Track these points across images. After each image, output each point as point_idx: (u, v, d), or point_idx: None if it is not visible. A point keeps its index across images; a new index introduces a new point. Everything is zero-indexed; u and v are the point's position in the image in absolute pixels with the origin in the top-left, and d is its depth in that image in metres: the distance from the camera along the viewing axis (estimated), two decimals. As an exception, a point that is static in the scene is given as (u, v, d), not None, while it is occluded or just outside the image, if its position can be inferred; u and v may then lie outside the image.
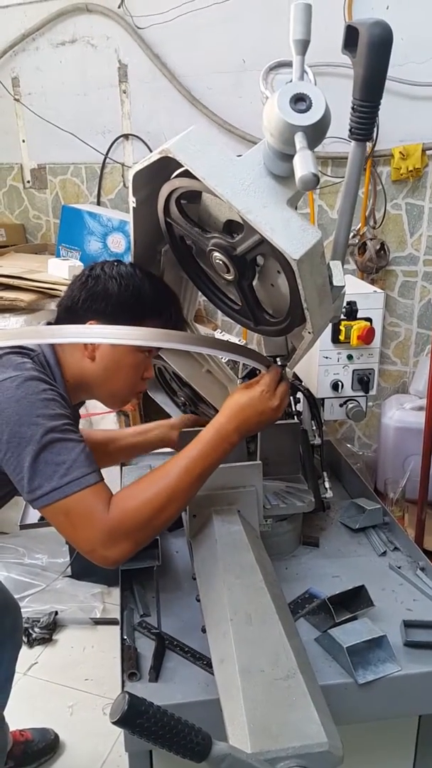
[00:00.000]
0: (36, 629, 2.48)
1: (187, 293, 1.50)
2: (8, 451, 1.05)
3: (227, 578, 1.08)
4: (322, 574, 1.41)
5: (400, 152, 2.90)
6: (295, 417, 1.65)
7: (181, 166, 0.97)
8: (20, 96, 3.63)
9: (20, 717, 2.00)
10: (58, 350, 1.25)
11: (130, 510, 1.05)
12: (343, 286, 1.07)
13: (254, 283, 1.14)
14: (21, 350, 1.18)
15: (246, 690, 0.85)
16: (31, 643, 2.46)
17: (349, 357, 1.66)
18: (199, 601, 1.20)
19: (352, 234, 2.93)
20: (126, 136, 3.45)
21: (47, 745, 2.01)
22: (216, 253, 1.10)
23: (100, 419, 2.83)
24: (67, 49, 3.45)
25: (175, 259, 1.30)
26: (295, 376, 1.72)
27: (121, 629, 1.24)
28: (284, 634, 0.95)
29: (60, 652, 2.46)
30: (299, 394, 1.67)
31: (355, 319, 1.62)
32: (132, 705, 0.70)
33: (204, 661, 1.14)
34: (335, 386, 1.67)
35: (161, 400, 1.82)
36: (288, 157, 0.89)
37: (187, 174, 1.00)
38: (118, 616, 1.31)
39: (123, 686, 1.10)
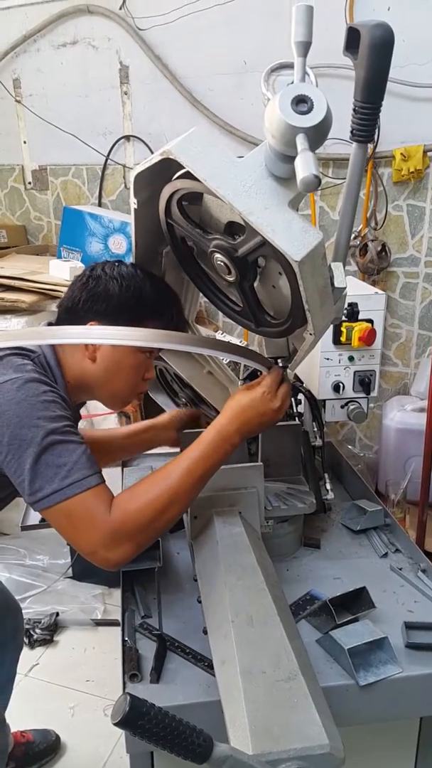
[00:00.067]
0: (37, 630, 2.48)
1: (189, 294, 1.50)
2: (9, 453, 1.05)
3: (228, 580, 1.08)
4: (323, 576, 1.41)
5: (402, 154, 2.90)
6: (297, 418, 1.65)
7: (183, 167, 0.97)
8: (21, 97, 3.63)
9: (21, 718, 2.00)
10: (59, 351, 1.24)
11: (132, 512, 1.05)
12: (345, 288, 1.07)
13: (255, 284, 1.14)
14: (21, 351, 1.18)
15: (247, 691, 0.85)
16: (32, 645, 2.46)
17: (351, 358, 1.66)
18: (200, 602, 1.20)
19: (353, 235, 2.93)
20: (127, 138, 3.46)
21: (48, 746, 2.01)
22: (217, 255, 1.10)
23: (101, 420, 2.84)
24: (69, 51, 3.45)
25: (176, 260, 1.30)
26: (297, 377, 1.72)
27: (123, 630, 1.24)
28: (285, 635, 0.95)
29: (61, 653, 2.46)
30: (300, 396, 1.67)
31: (356, 320, 1.62)
32: (133, 706, 0.70)
33: (205, 663, 1.14)
34: (336, 388, 1.67)
35: (162, 401, 1.82)
36: (289, 158, 0.89)
37: (188, 175, 1.00)
38: (119, 617, 1.31)
39: (124, 687, 1.10)
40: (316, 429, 1.65)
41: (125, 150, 3.49)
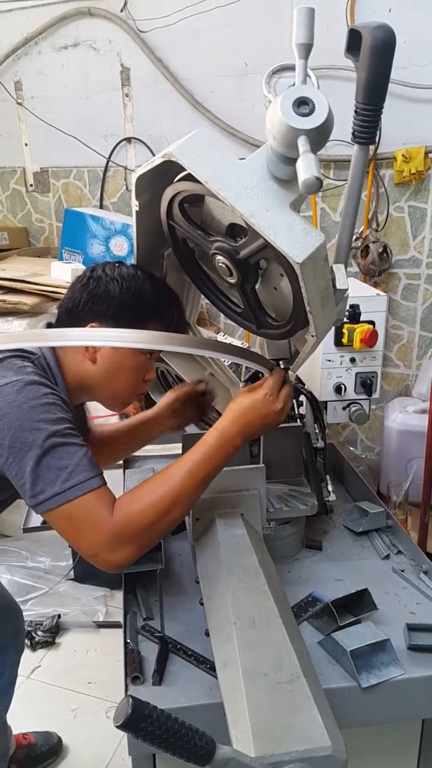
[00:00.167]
0: (39, 632, 2.48)
1: (190, 296, 1.50)
2: (10, 456, 1.05)
3: (230, 582, 1.08)
4: (325, 578, 1.41)
5: (403, 155, 2.90)
6: (298, 420, 1.65)
7: (184, 169, 0.97)
8: (23, 100, 3.64)
9: (23, 720, 2.00)
10: (59, 353, 1.24)
11: (134, 514, 1.05)
12: (346, 289, 1.07)
13: (257, 286, 1.14)
14: (22, 353, 1.18)
15: (249, 693, 0.85)
16: (34, 647, 2.45)
17: (352, 360, 1.66)
18: (202, 604, 1.20)
19: (354, 237, 2.92)
20: (128, 140, 3.46)
21: (50, 748, 2.01)
22: (219, 257, 1.10)
23: (102, 422, 2.83)
24: (70, 53, 3.46)
25: (177, 262, 1.30)
26: (298, 379, 1.72)
27: (125, 633, 1.24)
28: (288, 637, 0.95)
29: (63, 655, 2.46)
30: (302, 398, 1.67)
31: (358, 322, 1.62)
32: (135, 709, 0.70)
33: (207, 665, 1.14)
34: (338, 389, 1.67)
35: (164, 402, 1.82)
36: (291, 160, 0.89)
37: (190, 177, 1.00)
38: (121, 619, 1.31)
39: (126, 690, 1.10)
40: (317, 431, 1.64)
41: (126, 152, 3.49)
